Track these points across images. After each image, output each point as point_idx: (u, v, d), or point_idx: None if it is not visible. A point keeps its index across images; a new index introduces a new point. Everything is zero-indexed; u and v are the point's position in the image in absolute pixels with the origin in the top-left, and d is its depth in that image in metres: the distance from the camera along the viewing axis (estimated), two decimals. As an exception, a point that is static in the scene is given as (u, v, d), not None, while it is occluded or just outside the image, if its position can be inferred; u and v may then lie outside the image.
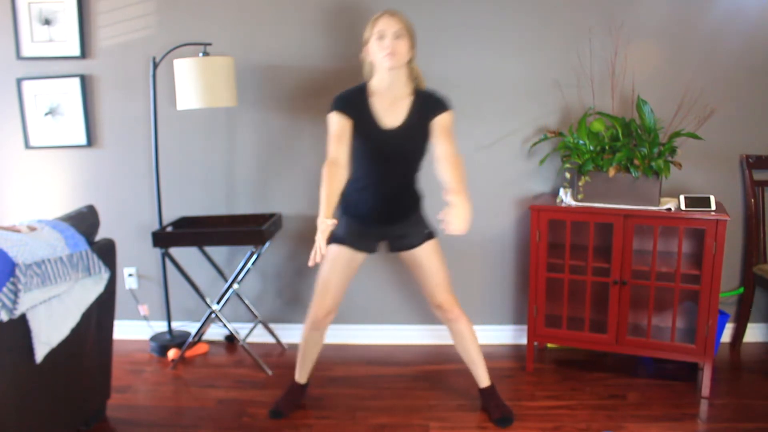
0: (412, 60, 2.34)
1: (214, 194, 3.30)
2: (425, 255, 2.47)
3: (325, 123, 3.16)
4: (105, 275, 2.33)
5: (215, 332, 3.44)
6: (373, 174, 2.39)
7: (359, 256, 2.48)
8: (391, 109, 2.32)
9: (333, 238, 2.45)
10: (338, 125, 2.31)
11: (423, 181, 2.51)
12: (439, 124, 2.32)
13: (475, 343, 2.58)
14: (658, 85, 2.97)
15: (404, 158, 2.37)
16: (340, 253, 2.44)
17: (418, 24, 3.01)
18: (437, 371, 3.01)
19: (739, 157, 3.06)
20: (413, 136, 2.33)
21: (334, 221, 2.16)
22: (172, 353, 3.15)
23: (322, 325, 2.53)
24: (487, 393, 2.60)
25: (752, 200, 3.03)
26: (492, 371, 2.73)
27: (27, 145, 3.28)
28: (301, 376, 2.69)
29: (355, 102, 2.32)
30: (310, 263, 2.13)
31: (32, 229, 2.14)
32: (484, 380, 2.61)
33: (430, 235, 2.50)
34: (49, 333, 2.05)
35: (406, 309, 3.33)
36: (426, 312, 3.32)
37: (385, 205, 2.42)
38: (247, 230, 2.90)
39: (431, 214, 2.54)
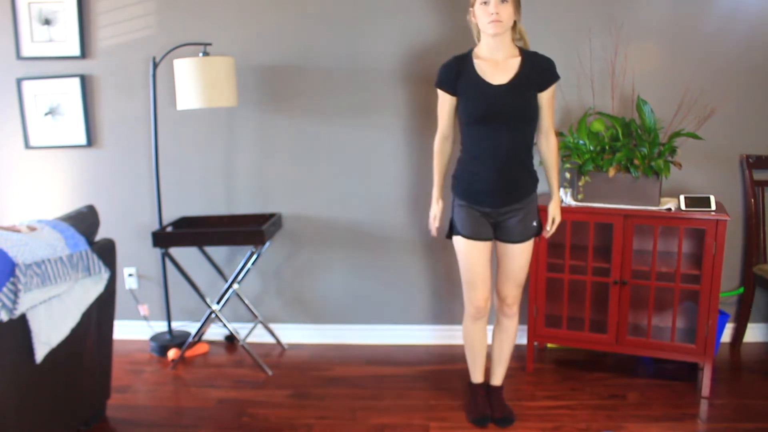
0: (518, 22, 2.30)
1: (214, 194, 3.30)
2: (519, 252, 2.42)
3: (324, 123, 3.18)
4: (105, 275, 2.33)
5: (215, 332, 3.44)
6: (485, 140, 2.31)
7: (486, 246, 2.42)
8: (498, 70, 2.28)
9: (454, 229, 2.44)
10: (442, 101, 2.40)
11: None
12: (547, 96, 2.34)
13: (512, 345, 2.59)
14: (658, 85, 2.97)
15: (514, 120, 2.28)
16: (467, 245, 2.40)
17: (418, 24, 3.03)
18: (437, 371, 3.01)
19: (739, 157, 3.06)
20: (523, 95, 2.28)
21: (441, 206, 2.51)
22: (172, 353, 3.15)
23: (482, 314, 2.47)
24: (493, 391, 2.61)
25: (752, 200, 3.03)
26: (492, 371, 2.74)
27: (27, 145, 3.28)
28: (474, 375, 2.63)
29: (457, 69, 2.32)
30: (432, 233, 2.56)
31: (32, 229, 2.14)
32: (498, 379, 2.62)
33: (534, 233, 2.44)
34: (49, 333, 2.05)
35: (406, 309, 3.33)
36: (426, 312, 3.33)
37: (499, 176, 2.32)
38: (247, 230, 2.90)
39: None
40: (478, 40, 2.35)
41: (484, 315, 2.49)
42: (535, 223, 2.43)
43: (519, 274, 2.46)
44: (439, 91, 2.38)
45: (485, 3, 2.20)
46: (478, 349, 2.58)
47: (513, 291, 2.48)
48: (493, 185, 2.33)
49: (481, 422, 2.52)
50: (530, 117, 2.32)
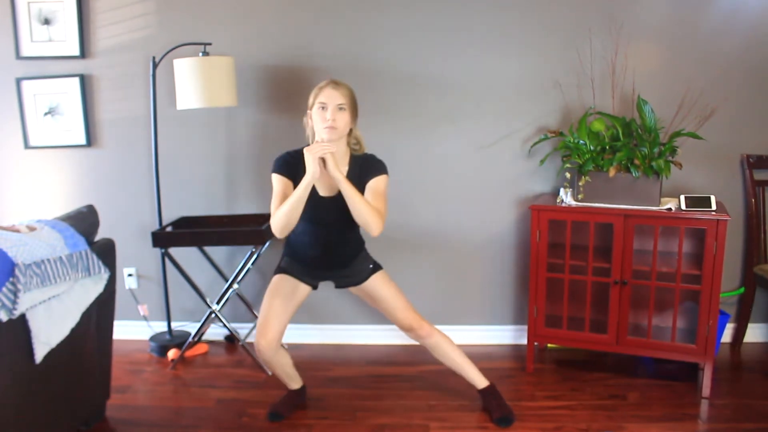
0: (354, 129, 2.34)
1: (214, 194, 3.29)
2: (376, 286, 2.49)
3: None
4: (105, 275, 2.33)
5: (215, 332, 3.44)
6: (312, 233, 2.39)
7: (302, 288, 2.47)
8: (327, 178, 2.27)
9: (277, 269, 2.50)
10: (280, 185, 2.30)
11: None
12: (371, 185, 2.31)
13: (456, 350, 2.58)
14: (659, 84, 2.97)
15: (341, 223, 2.34)
16: (282, 281, 2.45)
17: (418, 24, 3.03)
18: (437, 371, 3.01)
19: (740, 156, 3.06)
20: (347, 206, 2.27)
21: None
22: (171, 353, 3.15)
23: (265, 355, 2.41)
24: (487, 393, 2.60)
25: (753, 200, 3.03)
26: (492, 371, 2.73)
27: (27, 145, 3.28)
28: (289, 384, 2.66)
29: (294, 165, 2.29)
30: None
31: (32, 229, 2.14)
32: (479, 382, 2.60)
33: (374, 269, 2.51)
34: (48, 333, 2.05)
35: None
36: (426, 313, 3.31)
37: (325, 256, 2.43)
38: (247, 230, 2.90)
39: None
40: (311, 142, 2.36)
41: (267, 353, 2.41)
42: (371, 266, 2.52)
43: (397, 303, 2.49)
44: (276, 176, 2.30)
45: (323, 108, 2.23)
46: (279, 369, 2.56)
47: (408, 316, 2.50)
48: (318, 260, 2.44)
49: (273, 417, 2.56)
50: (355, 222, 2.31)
